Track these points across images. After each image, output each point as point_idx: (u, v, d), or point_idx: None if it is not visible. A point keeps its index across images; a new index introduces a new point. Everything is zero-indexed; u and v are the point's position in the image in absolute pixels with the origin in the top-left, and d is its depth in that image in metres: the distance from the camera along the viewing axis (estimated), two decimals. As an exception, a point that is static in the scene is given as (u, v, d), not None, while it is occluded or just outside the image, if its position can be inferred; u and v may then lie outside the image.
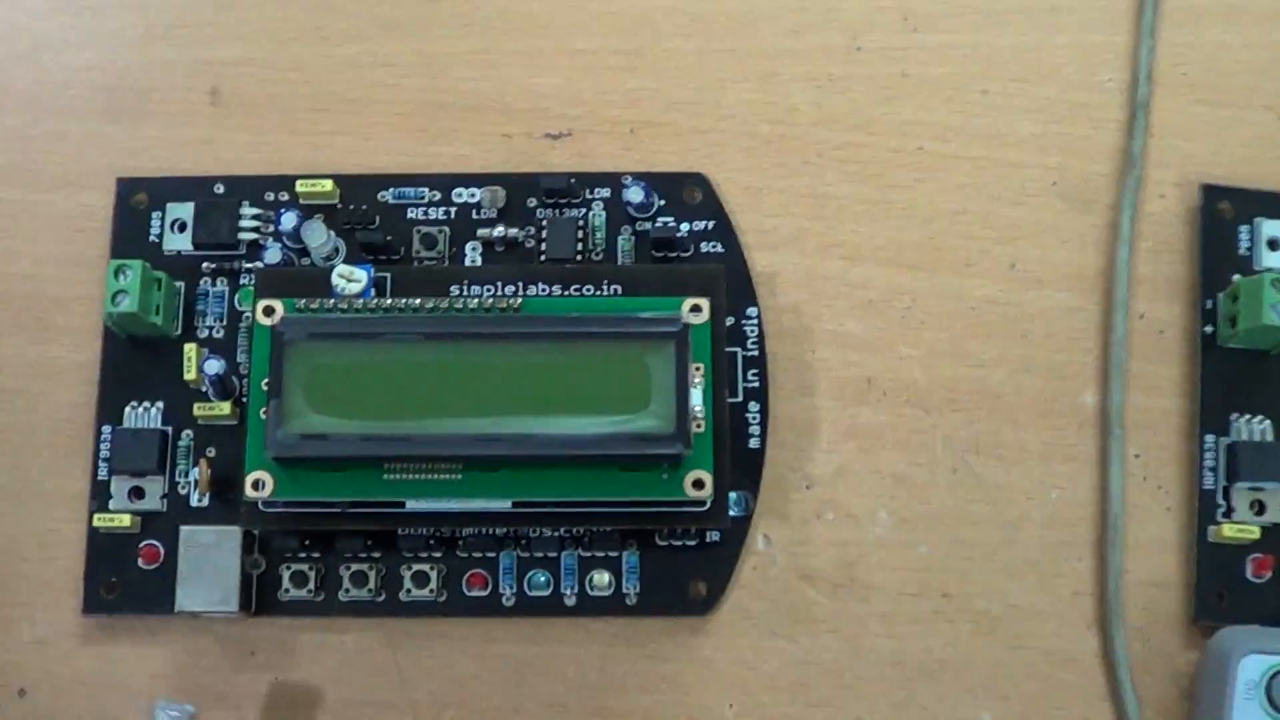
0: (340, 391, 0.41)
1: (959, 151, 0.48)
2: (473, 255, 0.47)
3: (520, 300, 0.43)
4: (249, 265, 0.47)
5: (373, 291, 0.44)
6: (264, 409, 0.42)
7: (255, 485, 0.42)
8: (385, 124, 0.48)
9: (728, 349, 0.46)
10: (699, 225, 0.47)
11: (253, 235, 0.47)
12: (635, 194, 0.46)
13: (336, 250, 0.46)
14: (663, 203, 0.47)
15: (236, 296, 0.47)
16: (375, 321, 0.42)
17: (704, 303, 0.43)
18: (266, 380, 0.42)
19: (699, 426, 0.42)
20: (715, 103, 0.48)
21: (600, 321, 0.42)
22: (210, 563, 0.44)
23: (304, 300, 0.43)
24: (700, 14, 0.49)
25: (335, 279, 0.43)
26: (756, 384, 0.45)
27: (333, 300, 0.43)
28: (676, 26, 0.49)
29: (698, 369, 0.42)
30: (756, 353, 0.46)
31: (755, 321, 0.46)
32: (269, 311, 0.43)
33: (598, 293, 0.44)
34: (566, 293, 0.44)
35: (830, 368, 0.46)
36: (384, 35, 0.49)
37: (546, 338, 0.42)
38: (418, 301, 0.43)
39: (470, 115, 0.48)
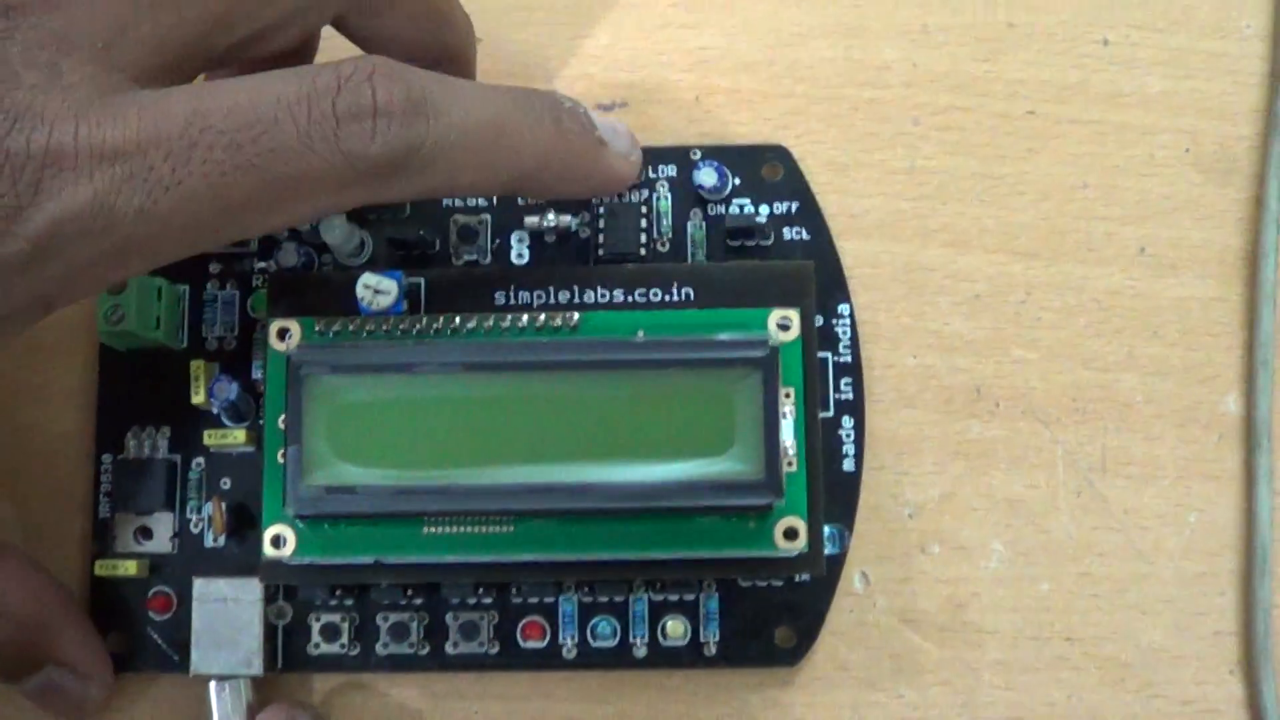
0: (370, 434, 0.34)
1: (1076, 115, 0.40)
2: (519, 249, 0.38)
3: (577, 317, 0.34)
4: (261, 265, 0.38)
5: (404, 304, 0.35)
6: (281, 452, 0.33)
7: (275, 542, 0.34)
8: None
9: (818, 354, 0.37)
10: (780, 207, 0.39)
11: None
12: (708, 176, 0.37)
13: (362, 245, 0.38)
14: (737, 181, 0.38)
15: (249, 302, 0.38)
16: (408, 349, 0.34)
17: (793, 315, 0.34)
18: (284, 417, 0.33)
19: (790, 465, 0.33)
20: (793, 62, 0.40)
21: (673, 346, 0.34)
22: (228, 619, 0.36)
23: (324, 321, 0.34)
24: None
25: (360, 291, 0.35)
26: (850, 395, 0.38)
27: (358, 319, 0.34)
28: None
29: (788, 395, 0.34)
30: (849, 358, 0.38)
31: (848, 321, 0.38)
32: (283, 334, 0.34)
33: (667, 298, 0.36)
34: (630, 299, 0.36)
35: (934, 375, 0.39)
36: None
37: (609, 366, 0.34)
38: (457, 320, 0.35)
39: (508, 80, 0.40)
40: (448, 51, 0.36)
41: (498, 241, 0.39)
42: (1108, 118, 0.40)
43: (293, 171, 0.30)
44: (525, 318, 0.35)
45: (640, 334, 0.35)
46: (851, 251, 0.39)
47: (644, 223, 0.38)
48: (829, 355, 0.38)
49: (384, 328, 0.35)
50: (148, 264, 0.31)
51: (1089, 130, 0.39)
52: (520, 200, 0.39)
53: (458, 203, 0.39)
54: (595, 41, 0.40)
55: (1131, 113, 0.40)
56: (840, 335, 0.38)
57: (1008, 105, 0.39)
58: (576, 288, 0.36)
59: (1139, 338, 0.39)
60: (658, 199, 0.39)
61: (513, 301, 0.36)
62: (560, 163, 0.34)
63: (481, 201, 0.39)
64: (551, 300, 0.36)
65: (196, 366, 0.38)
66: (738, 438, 0.33)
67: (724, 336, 0.34)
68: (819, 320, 0.38)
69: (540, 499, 0.33)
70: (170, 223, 0.30)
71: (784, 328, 0.35)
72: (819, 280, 0.37)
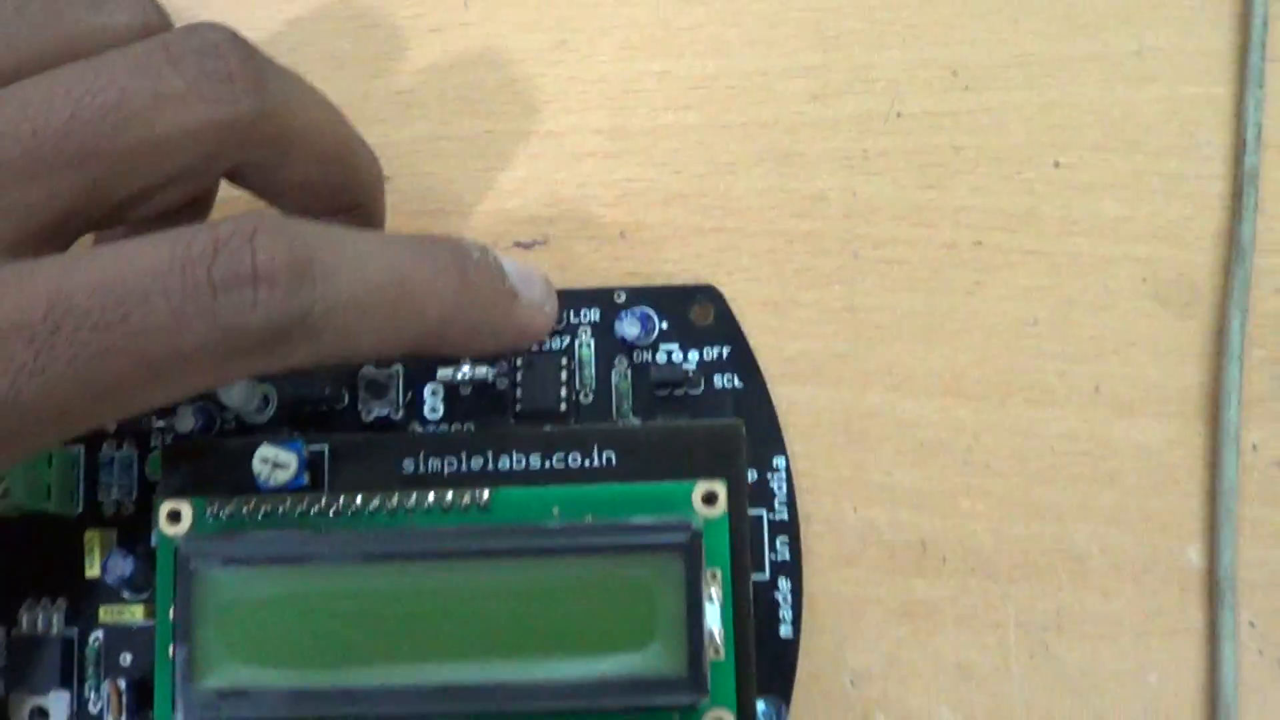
0: (266, 632, 0.31)
1: (1026, 244, 0.37)
2: (433, 403, 0.35)
3: (488, 494, 0.32)
4: (160, 424, 0.35)
5: (305, 478, 0.32)
6: (172, 647, 0.31)
7: (169, 744, 0.31)
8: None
9: (751, 511, 0.35)
10: (710, 353, 0.36)
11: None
12: (631, 327, 0.35)
13: (266, 401, 0.35)
14: (664, 326, 0.36)
15: (147, 466, 0.35)
16: (306, 539, 0.31)
17: (720, 489, 0.32)
18: (174, 610, 0.31)
19: (718, 653, 0.31)
20: (724, 193, 0.37)
21: (589, 531, 0.32)
22: (127, 815, 0.33)
23: (217, 503, 0.32)
24: (701, 79, 0.38)
25: (258, 465, 0.32)
26: (787, 555, 0.35)
27: (254, 498, 0.32)
28: (670, 97, 0.37)
29: (714, 575, 0.31)
30: (785, 515, 0.35)
31: (783, 475, 0.35)
32: (174, 517, 0.32)
33: (587, 463, 0.33)
34: (548, 464, 0.33)
35: (876, 530, 0.36)
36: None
37: (522, 554, 0.31)
38: (359, 500, 0.32)
39: (420, 219, 0.37)
40: (353, 196, 0.33)
41: (410, 395, 0.36)
42: (1059, 247, 0.37)
43: (167, 351, 0.27)
44: (433, 496, 0.32)
45: (555, 512, 0.32)
46: (787, 398, 0.36)
47: (564, 374, 0.35)
48: (763, 512, 0.35)
49: (282, 508, 0.32)
50: (16, 457, 0.28)
51: (1040, 261, 0.37)
52: None
53: (367, 354, 0.36)
54: (512, 174, 0.37)
55: (1085, 241, 0.37)
56: (775, 490, 0.35)
57: (953, 235, 0.37)
58: (491, 453, 0.34)
59: (1094, 485, 0.36)
60: (580, 346, 0.36)
61: (422, 469, 0.34)
62: (467, 319, 0.31)
63: (392, 352, 0.35)
64: (464, 467, 0.34)
65: (91, 538, 0.35)
66: (659, 630, 0.31)
67: (643, 520, 0.31)
68: (752, 475, 0.35)
69: (450, 701, 0.31)
70: (37, 412, 0.27)
71: (710, 501, 0.32)
72: (752, 432, 0.35)
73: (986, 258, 0.37)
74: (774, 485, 0.36)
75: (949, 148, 0.37)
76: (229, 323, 0.27)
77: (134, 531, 0.36)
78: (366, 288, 0.29)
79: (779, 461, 0.36)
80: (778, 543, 0.35)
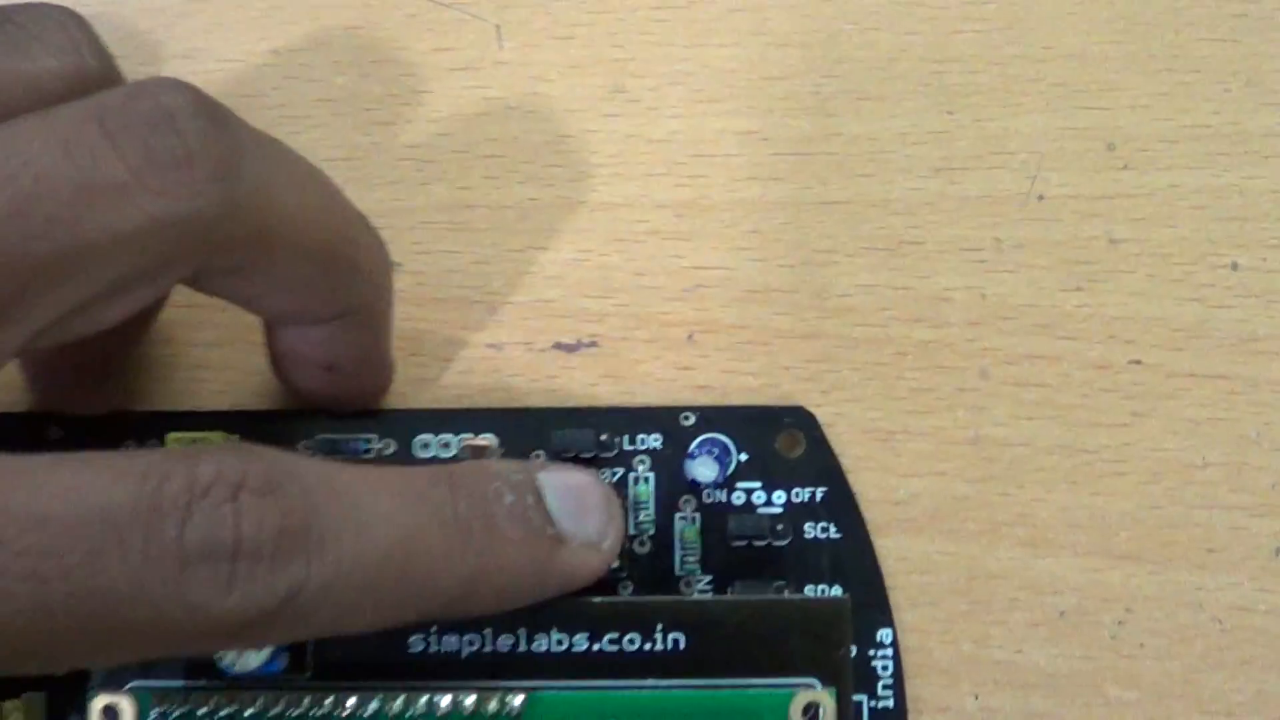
0: None
1: (1196, 366, 0.30)
2: (446, 554, 0.27)
3: (521, 700, 0.24)
4: None
5: (283, 660, 0.24)
6: None
7: None
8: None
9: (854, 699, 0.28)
10: (799, 494, 0.28)
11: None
12: (705, 469, 0.27)
13: None
14: (743, 457, 0.28)
15: None
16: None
17: (826, 700, 0.24)
18: None
19: None
20: (820, 289, 0.29)
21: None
22: None
23: (166, 700, 0.24)
24: (794, 142, 0.31)
25: None
26: (893, 756, 0.27)
27: (215, 694, 0.24)
28: (755, 163, 0.31)
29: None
30: (892, 701, 0.27)
31: (889, 652, 0.27)
32: (110, 715, 0.24)
33: (648, 647, 0.25)
34: (597, 648, 0.25)
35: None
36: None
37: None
38: (352, 702, 0.24)
39: (434, 310, 0.30)
40: (352, 297, 0.26)
41: (420, 540, 0.27)
42: (1237, 370, 0.30)
43: (118, 622, 0.21)
44: (448, 700, 0.24)
45: (611, 731, 0.24)
46: (895, 552, 0.29)
47: (617, 520, 0.27)
48: (863, 699, 0.28)
49: (251, 709, 0.24)
50: None
51: (1212, 388, 0.30)
52: None
53: (366, 484, 0.27)
54: (554, 256, 0.30)
55: (1268, 363, 0.30)
56: (879, 671, 0.28)
57: (1105, 352, 0.29)
58: (523, 632, 0.26)
59: (1274, 671, 0.29)
60: (635, 482, 0.28)
61: (435, 649, 0.26)
62: (495, 584, 0.25)
63: (398, 484, 0.27)
64: (487, 647, 0.26)
65: (10, 710, 0.27)
66: None
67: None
68: (852, 651, 0.27)
69: None
70: None
71: (812, 716, 0.24)
72: (852, 595, 0.28)
73: (1146, 381, 0.30)
74: (877, 664, 0.28)
75: (1102, 240, 0.30)
76: (196, 601, 0.21)
77: (66, 705, 0.27)
78: (371, 558, 0.23)
79: (885, 634, 0.28)
80: (881, 739, 0.27)
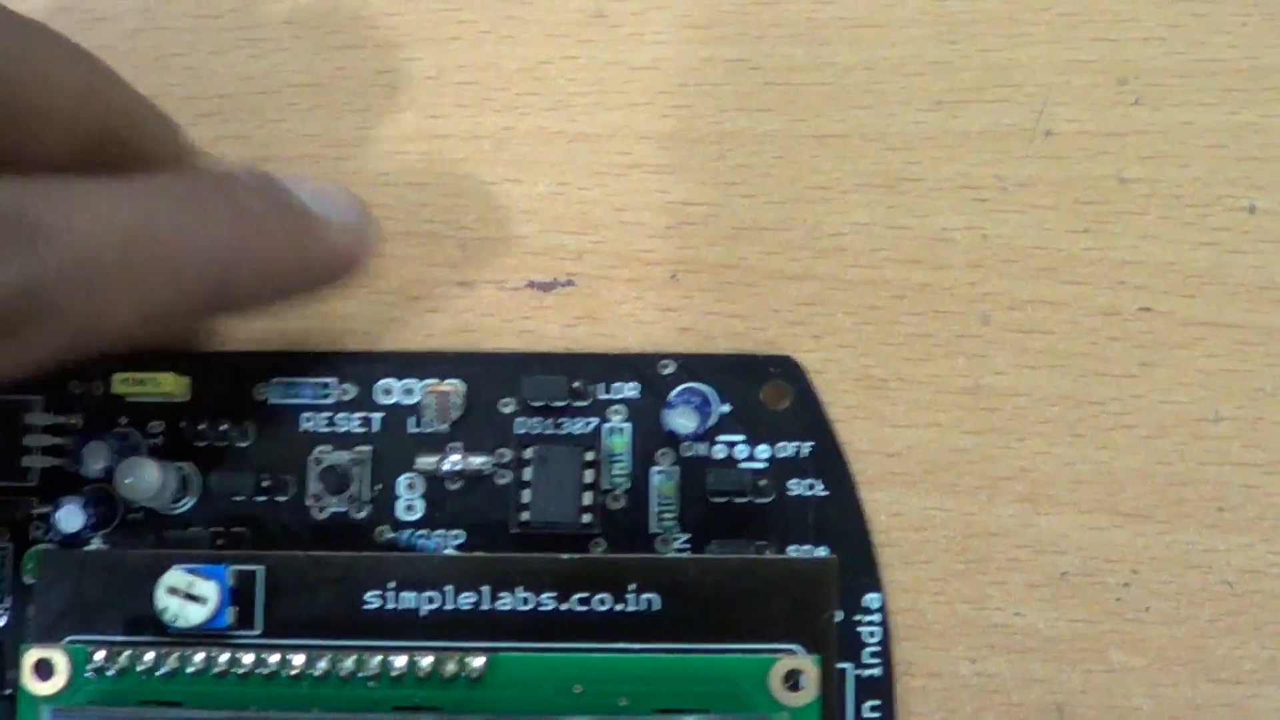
0: None
1: (1209, 314, 0.28)
2: (409, 500, 0.25)
3: (482, 662, 0.22)
4: (42, 510, 0.26)
5: (228, 615, 0.22)
6: None
7: None
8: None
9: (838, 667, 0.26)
10: (784, 448, 0.27)
11: (52, 461, 0.27)
12: (685, 420, 0.25)
13: (184, 486, 0.25)
14: (725, 408, 0.26)
15: (23, 563, 0.25)
16: (224, 698, 0.21)
17: (809, 668, 0.21)
18: None
19: None
20: (811, 227, 0.26)
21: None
22: None
23: (103, 652, 0.22)
24: (785, 71, 0.29)
25: (163, 599, 0.23)
26: (879, 721, 0.25)
27: (157, 649, 0.22)
28: (744, 94, 0.28)
29: (796, 783, 0.21)
30: (879, 668, 0.25)
31: (877, 618, 0.25)
32: (44, 670, 0.22)
33: (620, 606, 0.23)
34: (565, 607, 0.23)
35: (999, 689, 0.27)
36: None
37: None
38: (301, 660, 0.22)
39: (401, 244, 0.28)
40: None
41: (379, 488, 0.26)
42: (1252, 319, 0.28)
43: None
44: (404, 661, 0.22)
45: (578, 690, 0.22)
46: (887, 508, 0.27)
47: (587, 471, 0.25)
48: (848, 668, 0.26)
49: (192, 666, 0.22)
50: None
51: (1226, 337, 0.28)
52: (411, 428, 0.27)
53: (320, 428, 0.25)
54: (529, 190, 0.28)
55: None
56: (866, 638, 0.26)
57: (1114, 298, 0.28)
58: (486, 590, 0.24)
59: (1288, 639, 0.27)
60: (610, 433, 0.26)
61: (391, 606, 0.24)
62: (254, 257, 0.24)
63: (355, 427, 0.25)
64: (448, 605, 0.24)
65: (-61, 666, 0.25)
66: None
67: (697, 720, 0.22)
68: (838, 615, 0.25)
69: None
70: None
71: (793, 684, 0.22)
72: (839, 556, 0.26)
73: (1156, 329, 0.28)
74: (864, 632, 0.26)
75: (1112, 180, 0.28)
76: None
77: (4, 656, 0.26)
78: (108, 240, 0.22)
79: (873, 599, 0.26)
80: (866, 710, 0.25)
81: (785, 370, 0.27)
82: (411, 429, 0.27)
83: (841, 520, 0.27)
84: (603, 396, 0.27)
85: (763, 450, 0.27)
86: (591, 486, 0.26)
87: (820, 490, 0.27)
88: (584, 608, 0.25)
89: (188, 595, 0.24)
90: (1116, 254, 0.28)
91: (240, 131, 0.29)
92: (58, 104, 0.23)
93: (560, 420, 0.27)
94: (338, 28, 0.29)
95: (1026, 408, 0.28)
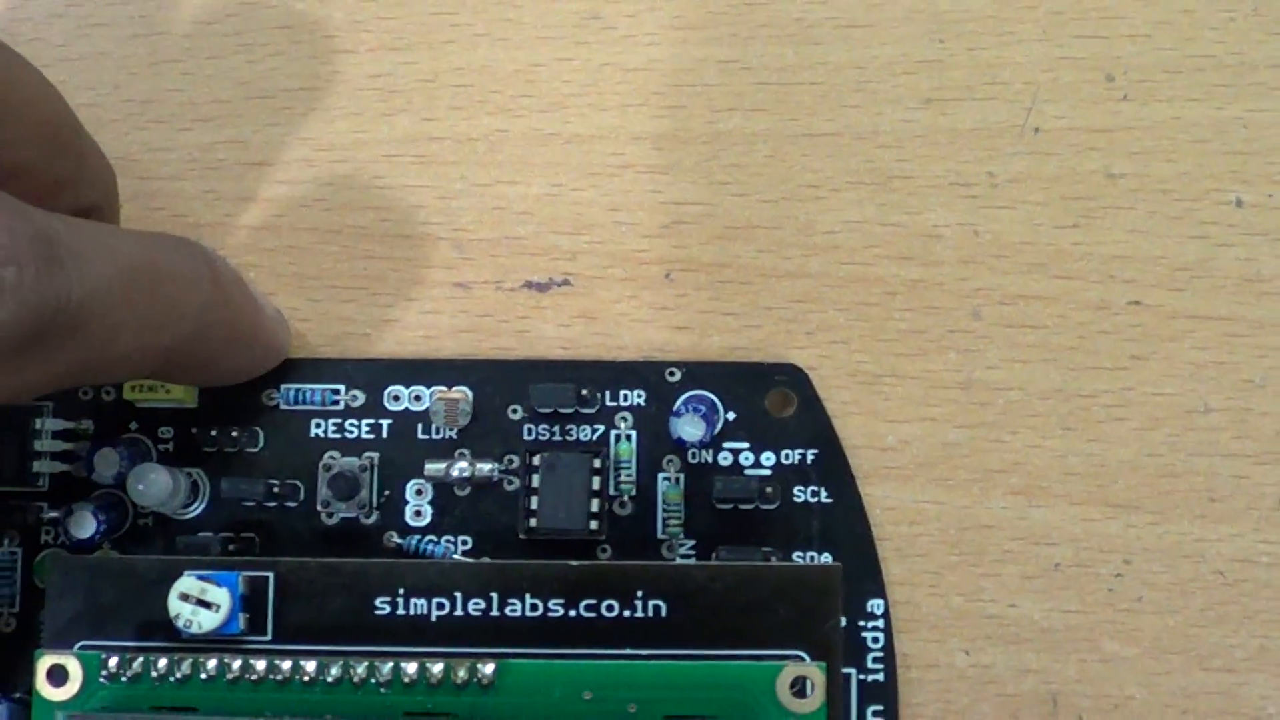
0: None
1: (1198, 307, 0.28)
2: (417, 505, 0.25)
3: (492, 669, 0.21)
4: (53, 514, 0.27)
5: (240, 622, 0.22)
6: None
7: None
8: (269, 268, 0.28)
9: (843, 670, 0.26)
10: (789, 455, 0.27)
11: (62, 467, 0.27)
12: (692, 428, 0.25)
13: (195, 491, 0.25)
14: (730, 415, 0.27)
15: (35, 567, 0.27)
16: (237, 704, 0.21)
17: (814, 675, 0.21)
18: None
19: None
20: (804, 225, 0.26)
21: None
22: None
23: (116, 659, 0.22)
24: (777, 71, 0.28)
25: (176, 605, 0.23)
26: (881, 720, 0.25)
27: (168, 656, 0.21)
28: (736, 94, 0.28)
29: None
30: (882, 673, 0.25)
31: (881, 624, 0.25)
32: (57, 677, 0.21)
33: (627, 613, 0.23)
34: (574, 613, 0.23)
35: (994, 679, 0.27)
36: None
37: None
38: (312, 668, 0.22)
39: (396, 246, 0.28)
40: (82, 196, 0.26)
41: (387, 494, 0.25)
42: (1241, 311, 0.28)
43: None
44: (415, 668, 0.22)
45: (587, 696, 0.22)
46: (882, 502, 0.27)
47: (593, 479, 0.25)
48: (852, 673, 0.26)
49: (205, 672, 0.22)
50: None
51: (1215, 330, 0.28)
52: (420, 434, 0.27)
53: (329, 433, 0.25)
54: (524, 191, 0.27)
55: (1274, 304, 0.28)
56: (870, 644, 0.26)
57: (1103, 292, 0.27)
58: (495, 596, 0.24)
59: (1277, 625, 0.27)
60: (617, 439, 0.25)
61: (402, 612, 0.23)
62: (223, 323, 0.25)
63: (365, 433, 0.25)
64: (457, 610, 0.23)
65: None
66: None
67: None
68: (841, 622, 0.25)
69: None
70: None
71: (800, 691, 0.22)
72: (841, 556, 0.26)
73: (1146, 323, 0.28)
74: (868, 635, 0.26)
75: (1101, 175, 0.27)
76: None
77: (15, 659, 0.26)
78: (122, 271, 0.22)
79: (876, 605, 0.26)
80: (870, 714, 0.25)
81: (790, 378, 0.27)
82: (420, 435, 0.26)
83: (846, 528, 0.27)
84: (610, 404, 0.27)
85: (768, 457, 0.27)
86: (599, 493, 0.26)
87: (825, 498, 0.27)
88: (591, 614, 0.24)
89: (200, 601, 0.24)
90: (1106, 249, 0.28)
91: (236, 136, 0.28)
92: (20, 104, 0.23)
93: (568, 427, 0.26)
94: (333, 32, 0.28)
95: (1018, 401, 0.27)
